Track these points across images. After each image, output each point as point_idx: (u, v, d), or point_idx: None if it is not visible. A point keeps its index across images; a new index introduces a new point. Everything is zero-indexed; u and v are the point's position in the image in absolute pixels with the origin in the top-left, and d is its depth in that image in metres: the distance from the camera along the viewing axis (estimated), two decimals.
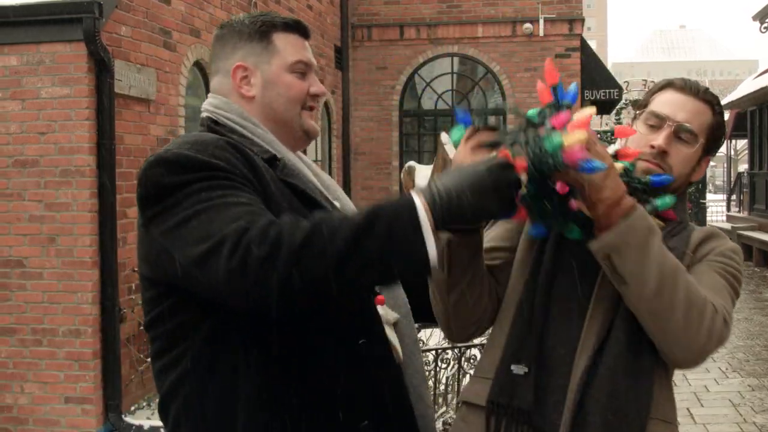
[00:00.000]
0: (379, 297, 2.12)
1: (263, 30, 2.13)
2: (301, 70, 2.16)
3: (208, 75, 2.20)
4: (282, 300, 1.69)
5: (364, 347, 2.01)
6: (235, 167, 1.87)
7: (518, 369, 1.97)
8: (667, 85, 2.19)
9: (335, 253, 1.66)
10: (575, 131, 1.74)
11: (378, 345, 2.05)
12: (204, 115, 2.14)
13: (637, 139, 2.11)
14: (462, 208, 1.71)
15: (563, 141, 1.72)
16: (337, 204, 2.15)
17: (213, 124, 2.09)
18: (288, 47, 2.15)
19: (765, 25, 18.31)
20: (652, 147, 2.07)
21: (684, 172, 2.12)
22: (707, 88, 2.22)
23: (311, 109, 2.18)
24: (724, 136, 2.23)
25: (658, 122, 2.11)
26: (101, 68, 6.54)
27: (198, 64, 8.62)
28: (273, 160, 2.02)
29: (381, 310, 2.11)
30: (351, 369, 1.98)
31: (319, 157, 12.42)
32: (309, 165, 2.20)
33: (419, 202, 1.71)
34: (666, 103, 2.14)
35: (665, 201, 2.07)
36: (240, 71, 2.11)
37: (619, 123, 23.64)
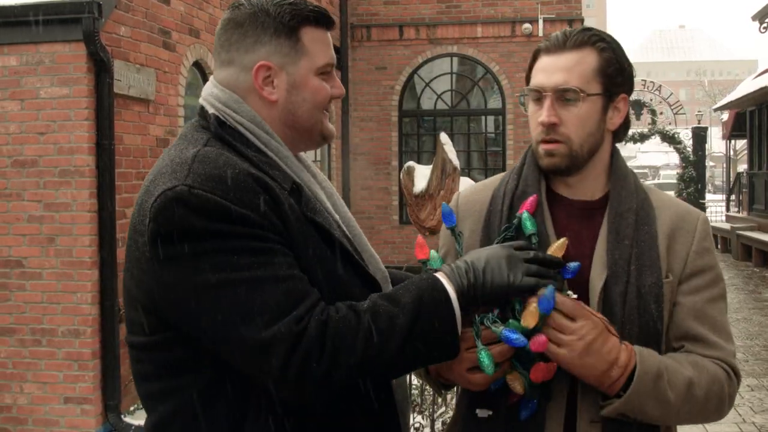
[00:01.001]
0: None
1: (292, 25, 1.91)
2: (328, 71, 2.00)
3: (215, 63, 2.03)
4: (324, 396, 1.72)
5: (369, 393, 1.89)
6: (265, 217, 1.73)
7: (482, 413, 1.96)
8: (536, 52, 2.04)
9: (385, 366, 1.75)
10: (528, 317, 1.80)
11: (382, 391, 1.95)
12: (209, 110, 1.95)
13: (531, 121, 2.02)
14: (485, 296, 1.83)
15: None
16: (344, 228, 1.98)
17: (219, 127, 1.89)
18: (316, 47, 1.95)
19: (764, 25, 18.30)
20: (541, 125, 1.96)
21: (588, 130, 1.96)
22: (583, 29, 2.01)
23: (327, 110, 2.02)
24: (624, 67, 2.01)
25: (538, 96, 1.99)
26: (100, 68, 6.54)
27: (197, 64, 8.62)
28: (296, 191, 1.85)
29: None
30: (354, 413, 1.89)
31: (318, 158, 12.43)
32: (309, 168, 2.04)
33: (455, 300, 1.80)
34: (539, 71, 2.00)
35: None
36: (263, 71, 1.90)
37: None
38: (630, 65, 2.03)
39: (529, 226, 1.93)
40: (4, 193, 6.62)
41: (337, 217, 1.97)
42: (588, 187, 2.05)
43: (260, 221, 1.71)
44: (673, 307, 1.97)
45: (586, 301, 1.90)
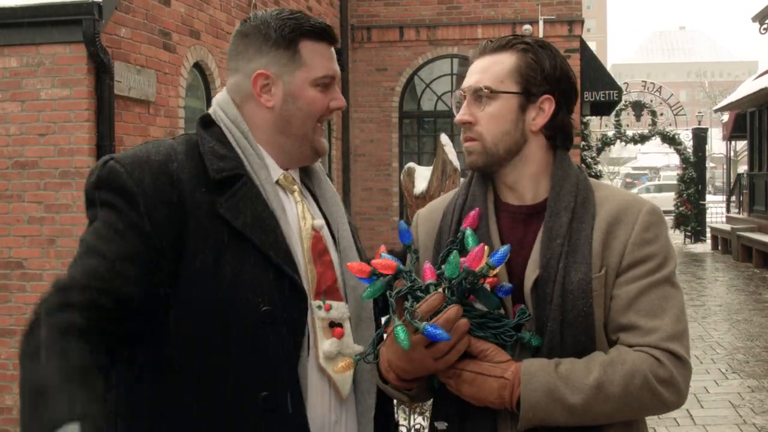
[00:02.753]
0: (338, 330, 2.02)
1: (290, 37, 2.03)
2: (327, 83, 2.09)
3: (226, 70, 2.16)
4: None
5: (265, 401, 1.87)
6: (151, 199, 1.87)
7: (440, 425, 1.98)
8: (466, 60, 2.17)
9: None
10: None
11: (285, 398, 1.89)
12: (209, 109, 2.12)
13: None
14: None
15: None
16: (299, 259, 2.00)
17: (203, 122, 2.07)
18: (314, 59, 2.06)
19: (765, 26, 18.30)
20: (457, 123, 2.07)
21: (502, 128, 2.00)
22: (512, 36, 2.07)
23: (322, 123, 2.12)
24: (545, 68, 2.01)
25: (462, 97, 2.07)
26: (101, 70, 6.54)
27: (198, 66, 8.62)
28: (229, 181, 1.95)
29: (334, 346, 1.99)
30: (245, 427, 1.87)
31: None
32: (311, 193, 2.21)
33: None
34: (465, 77, 2.08)
35: (533, 339, 1.92)
36: (261, 79, 2.03)
37: (619, 124, 23.66)
38: (559, 69, 2.03)
39: (470, 243, 1.94)
40: (4, 195, 6.62)
41: (298, 224, 2.06)
42: (528, 191, 2.06)
43: (141, 202, 1.86)
44: (610, 301, 1.94)
45: (523, 301, 1.94)
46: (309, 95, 2.05)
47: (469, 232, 1.97)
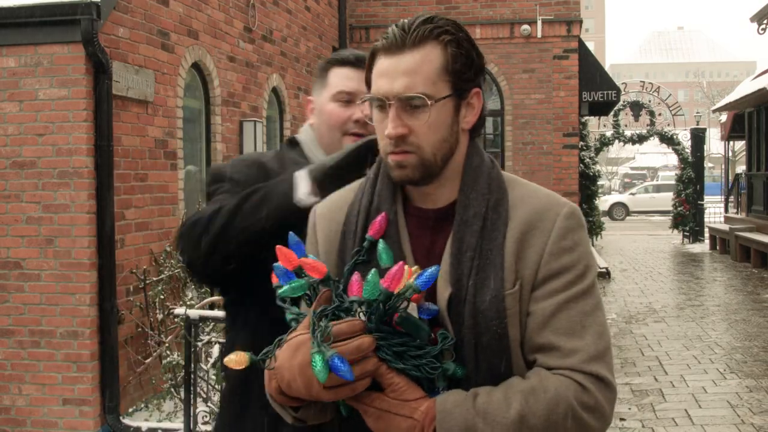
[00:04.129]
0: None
1: (325, 67, 2.55)
2: (344, 98, 2.46)
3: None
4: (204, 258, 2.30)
5: None
6: (247, 179, 2.39)
7: None
8: (374, 51, 1.82)
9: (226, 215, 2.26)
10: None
11: None
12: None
13: (378, 131, 1.84)
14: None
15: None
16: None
17: (289, 141, 2.65)
18: (336, 79, 2.49)
19: (763, 26, 18.31)
20: (389, 138, 1.76)
21: (440, 136, 1.78)
22: (423, 19, 1.81)
23: (356, 134, 2.44)
24: (473, 59, 1.82)
25: (381, 103, 1.78)
26: (99, 70, 6.54)
27: (196, 66, 8.62)
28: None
29: None
30: None
31: None
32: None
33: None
34: (380, 75, 1.79)
35: (458, 369, 1.71)
36: (310, 103, 2.60)
37: (617, 124, 23.66)
38: (480, 55, 1.85)
39: (384, 258, 1.73)
40: (2, 195, 6.62)
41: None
42: (444, 193, 1.85)
43: (240, 181, 2.40)
44: (526, 318, 1.76)
45: (438, 323, 1.74)
46: (328, 109, 2.48)
47: (381, 246, 1.74)
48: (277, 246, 1.76)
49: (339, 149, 2.33)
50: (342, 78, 2.46)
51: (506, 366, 1.73)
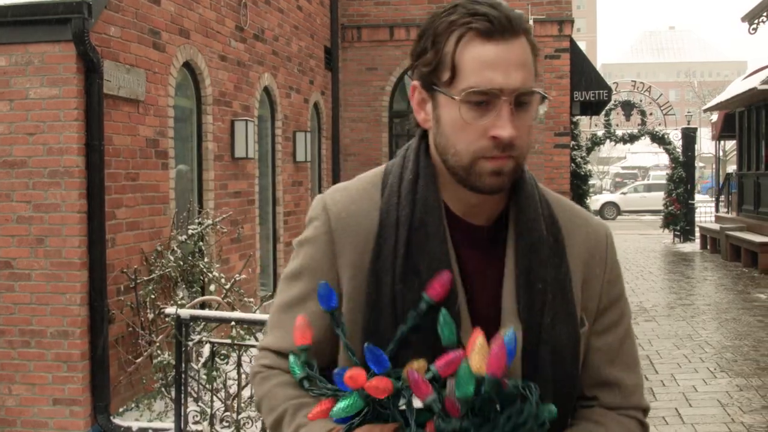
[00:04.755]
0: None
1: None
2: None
3: None
4: None
5: None
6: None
7: None
8: (468, 31, 1.49)
9: None
10: None
11: None
12: None
13: (470, 131, 1.50)
14: None
15: None
16: None
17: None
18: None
19: (754, 26, 18.35)
20: (495, 138, 1.48)
21: (531, 138, 1.58)
22: (514, 10, 1.54)
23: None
24: (539, 53, 1.61)
25: (485, 98, 1.49)
26: (90, 69, 6.52)
27: (187, 65, 8.60)
28: None
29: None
30: None
31: (309, 158, 12.41)
32: None
33: None
34: (486, 65, 1.48)
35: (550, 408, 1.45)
36: None
37: (609, 124, 23.70)
38: None
39: (446, 335, 1.44)
40: None
41: None
42: (493, 207, 1.62)
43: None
44: (587, 352, 1.65)
45: None
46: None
47: (444, 318, 1.45)
48: (337, 370, 1.51)
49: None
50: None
51: (569, 411, 1.63)
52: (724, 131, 23.92)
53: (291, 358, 1.58)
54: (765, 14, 17.97)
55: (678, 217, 23.04)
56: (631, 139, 24.00)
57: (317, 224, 1.65)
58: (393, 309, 1.53)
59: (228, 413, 5.67)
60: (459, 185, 1.57)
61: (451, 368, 1.39)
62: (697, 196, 24.81)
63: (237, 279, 7.72)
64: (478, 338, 1.40)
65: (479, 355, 1.38)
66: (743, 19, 18.87)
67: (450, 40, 1.51)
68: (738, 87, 19.61)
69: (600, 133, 23.78)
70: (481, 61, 1.48)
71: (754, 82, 17.31)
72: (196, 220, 8.06)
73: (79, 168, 6.51)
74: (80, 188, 6.52)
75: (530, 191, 1.62)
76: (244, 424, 5.53)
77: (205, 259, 7.86)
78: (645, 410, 1.70)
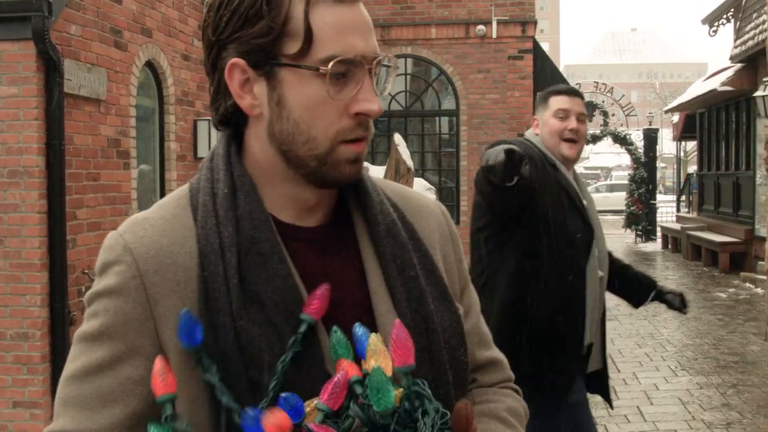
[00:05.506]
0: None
1: (545, 96, 3.82)
2: (560, 115, 3.73)
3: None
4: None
5: (571, 282, 3.54)
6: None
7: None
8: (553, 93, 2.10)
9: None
10: None
11: (581, 282, 3.58)
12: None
13: (322, 108, 1.27)
14: None
15: None
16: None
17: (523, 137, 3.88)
18: (555, 103, 3.74)
19: (714, 28, 18.58)
20: (359, 115, 1.33)
21: None
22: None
23: (569, 140, 3.73)
24: None
25: (348, 69, 1.28)
26: (50, 67, 6.45)
27: (149, 64, 8.54)
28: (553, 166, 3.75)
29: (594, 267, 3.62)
30: (561, 292, 3.50)
31: None
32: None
33: None
34: (345, 30, 1.24)
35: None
36: (535, 120, 3.84)
37: None
38: None
39: (342, 354, 1.24)
40: None
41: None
42: (329, 202, 1.43)
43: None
44: None
45: None
46: (549, 122, 3.74)
47: (337, 338, 1.24)
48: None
49: (558, 149, 3.71)
50: (559, 102, 3.74)
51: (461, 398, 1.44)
52: (685, 132, 24.18)
53: (151, 428, 1.20)
54: (725, 17, 18.20)
55: (640, 217, 23.24)
56: (594, 139, 24.16)
57: (120, 269, 1.31)
58: (240, 354, 1.23)
59: None
60: (291, 183, 1.35)
61: (339, 396, 1.19)
62: (659, 197, 25.02)
63: None
64: (369, 338, 1.22)
65: (379, 354, 1.20)
66: (704, 22, 19.10)
67: (296, 3, 1.27)
68: (698, 88, 19.83)
69: None
70: (339, 26, 1.28)
71: (715, 83, 17.51)
72: None
73: (39, 168, 6.44)
74: (40, 188, 6.45)
75: (364, 175, 1.43)
76: None
77: None
78: (513, 379, 1.61)
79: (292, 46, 1.27)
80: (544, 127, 3.74)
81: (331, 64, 1.26)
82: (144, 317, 1.28)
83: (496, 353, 1.59)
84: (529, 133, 3.82)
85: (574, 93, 3.79)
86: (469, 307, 1.53)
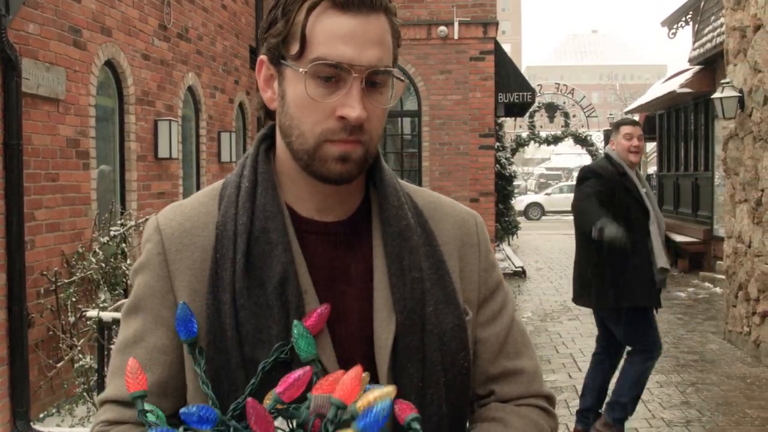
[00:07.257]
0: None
1: (618, 125, 6.02)
2: (628, 138, 5.91)
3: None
4: None
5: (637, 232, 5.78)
6: (604, 173, 6.02)
7: None
8: (322, 1, 1.37)
9: None
10: None
11: (645, 231, 5.92)
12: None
13: (314, 109, 1.38)
14: None
15: None
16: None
17: (606, 155, 6.14)
18: (624, 130, 5.94)
19: (673, 30, 18.77)
20: (342, 119, 1.36)
21: (383, 124, 1.46)
22: None
23: (633, 152, 6.05)
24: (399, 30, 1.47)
25: (333, 74, 1.37)
26: (8, 67, 6.37)
27: (109, 63, 8.46)
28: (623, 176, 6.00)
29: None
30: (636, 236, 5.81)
31: (234, 159, 12.30)
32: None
33: None
34: (338, 37, 1.36)
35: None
36: (612, 142, 6.09)
37: (533, 125, 24.00)
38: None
39: (303, 347, 1.32)
40: None
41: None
42: (347, 201, 1.51)
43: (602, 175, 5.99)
44: (474, 345, 1.54)
45: (373, 367, 1.40)
46: (621, 142, 5.99)
47: (299, 331, 1.34)
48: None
49: (627, 158, 5.92)
50: (626, 129, 6.01)
51: (466, 407, 1.53)
52: (644, 133, 24.38)
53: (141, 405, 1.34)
54: (684, 19, 18.40)
55: None
56: (555, 140, 24.37)
57: (149, 247, 1.48)
58: (237, 330, 1.37)
59: None
60: (307, 178, 1.44)
61: (296, 390, 1.24)
62: None
63: None
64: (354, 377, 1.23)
65: (373, 392, 1.21)
66: (663, 24, 19.30)
67: (302, 10, 1.38)
68: (658, 90, 20.03)
69: (524, 134, 24.10)
70: (332, 33, 1.35)
71: (674, 85, 17.70)
72: (119, 222, 7.93)
73: None
74: None
75: (390, 180, 1.52)
76: None
77: (128, 261, 7.73)
78: (548, 397, 1.60)
79: (294, 48, 1.39)
80: (618, 145, 6.06)
81: (310, 65, 1.36)
82: (166, 290, 1.45)
83: (523, 364, 1.58)
84: (608, 149, 6.21)
85: (634, 123, 6.21)
86: (494, 315, 1.58)
